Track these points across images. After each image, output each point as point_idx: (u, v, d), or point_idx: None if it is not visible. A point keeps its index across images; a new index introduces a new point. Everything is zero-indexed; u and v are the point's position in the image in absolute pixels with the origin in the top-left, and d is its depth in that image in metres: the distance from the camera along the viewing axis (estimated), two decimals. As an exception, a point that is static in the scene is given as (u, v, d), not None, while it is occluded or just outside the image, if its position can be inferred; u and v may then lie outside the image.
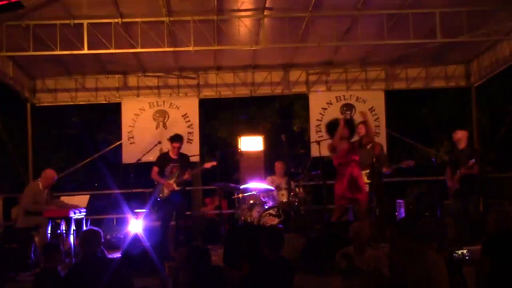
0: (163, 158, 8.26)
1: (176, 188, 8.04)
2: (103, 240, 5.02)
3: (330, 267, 5.16)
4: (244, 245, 6.24)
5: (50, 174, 8.29)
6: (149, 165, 8.37)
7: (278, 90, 11.26)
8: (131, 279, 4.86)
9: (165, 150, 8.70)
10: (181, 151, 8.24)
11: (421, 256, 4.35)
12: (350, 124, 7.58)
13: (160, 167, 8.17)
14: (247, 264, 4.92)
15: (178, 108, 10.92)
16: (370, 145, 8.09)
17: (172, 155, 8.22)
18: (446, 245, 6.89)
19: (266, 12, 8.61)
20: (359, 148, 7.63)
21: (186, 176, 8.05)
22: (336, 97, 11.04)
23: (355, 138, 7.72)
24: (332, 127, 7.56)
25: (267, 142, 11.36)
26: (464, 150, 8.20)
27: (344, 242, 5.60)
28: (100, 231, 4.94)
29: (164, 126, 10.81)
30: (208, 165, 8.52)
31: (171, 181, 8.03)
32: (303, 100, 12.40)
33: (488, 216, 5.37)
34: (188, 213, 11.79)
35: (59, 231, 8.11)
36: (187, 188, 8.50)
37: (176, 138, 8.25)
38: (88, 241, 4.84)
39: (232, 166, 13.62)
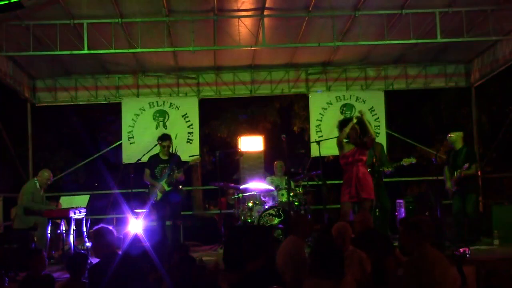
0: (153, 160, 8.30)
1: (167, 188, 8.06)
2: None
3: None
4: (244, 245, 6.20)
5: (47, 174, 8.32)
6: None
7: (278, 90, 11.24)
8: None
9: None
10: (181, 151, 8.22)
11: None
12: (360, 124, 7.57)
13: (151, 169, 8.21)
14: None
15: (178, 108, 10.90)
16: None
17: (162, 155, 8.24)
18: (445, 244, 6.91)
19: (266, 12, 8.62)
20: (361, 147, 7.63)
21: (175, 176, 8.07)
22: (336, 97, 11.02)
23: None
24: (344, 124, 7.58)
25: (267, 142, 11.37)
26: (460, 150, 8.20)
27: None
28: (111, 228, 4.83)
29: (164, 126, 10.79)
30: (192, 162, 8.53)
31: (162, 182, 8.06)
32: (303, 100, 12.39)
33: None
34: (189, 213, 11.87)
35: (59, 231, 8.13)
36: (183, 188, 8.48)
37: (166, 137, 8.29)
38: (102, 241, 4.67)
39: (232, 166, 13.62)
